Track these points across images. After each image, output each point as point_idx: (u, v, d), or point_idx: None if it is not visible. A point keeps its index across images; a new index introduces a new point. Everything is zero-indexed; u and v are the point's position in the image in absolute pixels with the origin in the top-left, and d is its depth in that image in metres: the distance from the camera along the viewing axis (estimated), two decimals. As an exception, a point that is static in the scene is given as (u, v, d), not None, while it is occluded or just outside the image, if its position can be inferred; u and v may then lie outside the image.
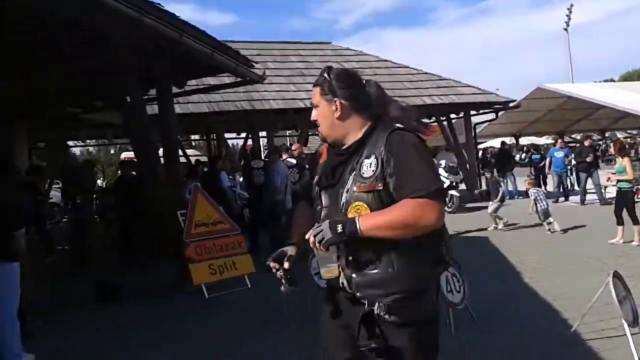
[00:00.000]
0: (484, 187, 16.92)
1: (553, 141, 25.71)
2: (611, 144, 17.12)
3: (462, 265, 5.51)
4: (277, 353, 5.18)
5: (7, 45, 7.20)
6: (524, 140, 35.36)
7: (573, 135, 32.28)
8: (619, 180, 9.42)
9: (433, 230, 2.25)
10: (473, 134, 19.15)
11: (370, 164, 2.31)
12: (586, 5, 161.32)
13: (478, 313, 5.53)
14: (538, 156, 20.47)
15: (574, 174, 17.50)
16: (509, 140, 28.69)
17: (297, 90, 15.69)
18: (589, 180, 15.00)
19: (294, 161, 10.81)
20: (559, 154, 16.53)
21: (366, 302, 2.31)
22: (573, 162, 16.46)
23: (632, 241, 9.05)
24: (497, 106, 18.66)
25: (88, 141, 24.88)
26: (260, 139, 19.64)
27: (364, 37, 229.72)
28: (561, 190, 16.42)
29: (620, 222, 9.31)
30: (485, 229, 11.58)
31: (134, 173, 10.45)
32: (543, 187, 17.64)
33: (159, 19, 6.75)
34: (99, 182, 21.54)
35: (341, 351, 2.48)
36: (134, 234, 9.87)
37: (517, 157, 29.80)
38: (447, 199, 14.77)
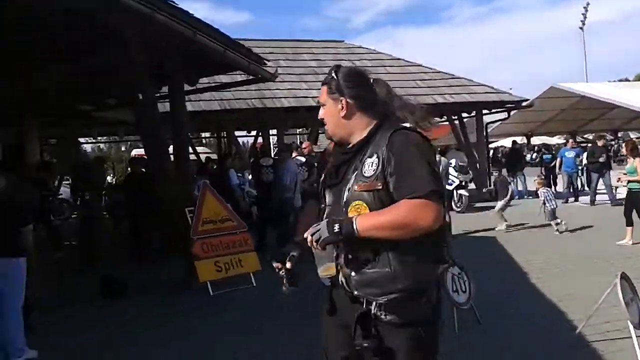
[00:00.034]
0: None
1: (564, 141, 25.51)
2: (623, 144, 16.99)
3: (468, 265, 5.51)
4: (277, 351, 5.20)
5: (7, 45, 7.27)
6: (536, 140, 35.12)
7: (585, 136, 32.02)
8: (629, 181, 9.36)
9: (432, 230, 2.24)
10: (484, 133, 19.07)
11: (372, 163, 2.31)
12: (602, 5, 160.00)
13: (482, 313, 5.51)
14: (549, 156, 20.37)
15: (584, 174, 17.38)
16: (521, 139, 28.56)
17: (309, 88, 15.70)
18: (601, 181, 14.86)
19: (303, 159, 10.82)
20: (570, 154, 16.42)
21: (364, 301, 2.32)
22: (584, 162, 16.36)
23: (641, 242, 8.99)
24: (510, 105, 18.59)
25: (99, 138, 24.95)
26: (271, 137, 19.68)
27: (377, 36, 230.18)
28: (571, 190, 16.30)
29: (629, 223, 9.25)
30: (493, 229, 11.54)
31: (143, 170, 10.50)
32: (553, 187, 17.55)
33: (171, 15, 6.80)
34: (108, 178, 21.61)
35: (339, 350, 2.48)
36: (144, 231, 9.93)
37: (528, 157, 29.62)
38: (456, 199, 14.75)
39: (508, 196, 11.78)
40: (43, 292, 6.56)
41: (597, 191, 14.96)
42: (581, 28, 49.31)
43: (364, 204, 2.29)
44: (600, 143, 16.16)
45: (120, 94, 10.81)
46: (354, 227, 2.22)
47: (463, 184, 14.98)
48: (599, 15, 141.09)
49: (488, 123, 19.92)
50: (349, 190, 2.35)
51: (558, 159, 17.20)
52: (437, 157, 10.87)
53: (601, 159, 14.86)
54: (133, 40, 7.28)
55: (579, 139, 27.68)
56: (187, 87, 9.51)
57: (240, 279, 7.60)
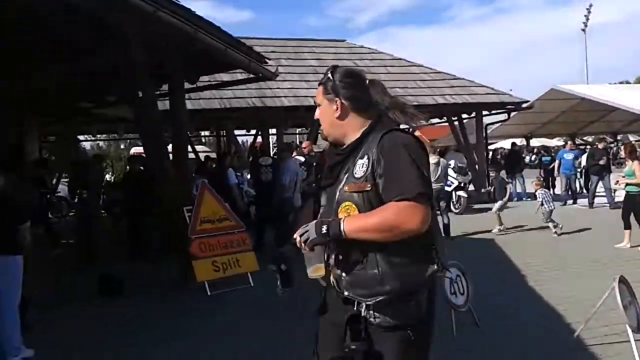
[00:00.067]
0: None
1: (564, 143, 25.50)
2: (622, 147, 16.98)
3: (466, 267, 5.51)
4: (277, 351, 5.19)
5: (7, 45, 7.25)
6: (535, 142, 35.13)
7: (585, 138, 32.02)
8: (627, 184, 9.35)
9: (420, 232, 2.22)
10: (484, 134, 19.08)
11: (363, 164, 2.31)
12: (604, 7, 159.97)
13: (480, 315, 5.51)
14: (548, 158, 20.39)
15: (582, 176, 17.36)
16: (520, 141, 28.54)
17: (309, 87, 15.65)
18: (600, 184, 14.86)
19: (302, 159, 10.82)
20: (569, 156, 16.41)
21: (355, 302, 2.31)
22: (583, 164, 16.34)
23: (639, 246, 8.98)
24: (510, 107, 18.59)
25: (99, 135, 24.93)
26: (270, 137, 19.67)
27: (379, 36, 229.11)
28: (569, 193, 16.30)
29: (627, 226, 9.25)
30: (491, 231, 11.53)
31: (142, 168, 10.49)
32: (551, 189, 17.54)
33: (173, 13, 6.77)
34: (107, 176, 21.60)
35: (329, 350, 2.47)
36: (143, 230, 9.91)
37: (527, 159, 29.63)
38: (454, 200, 14.73)
39: (506, 197, 11.78)
40: (41, 289, 6.54)
41: (596, 194, 14.95)
42: (583, 30, 49.21)
43: (354, 205, 2.29)
44: (600, 145, 16.19)
45: (120, 93, 10.77)
46: (341, 228, 2.23)
47: (462, 185, 14.97)
48: (601, 17, 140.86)
49: (488, 124, 19.93)
50: (340, 191, 2.36)
51: (557, 161, 17.19)
52: (437, 158, 10.89)
53: (601, 162, 14.85)
54: (133, 40, 7.25)
55: (578, 141, 27.67)
56: (187, 85, 9.48)
57: (238, 279, 7.58)
